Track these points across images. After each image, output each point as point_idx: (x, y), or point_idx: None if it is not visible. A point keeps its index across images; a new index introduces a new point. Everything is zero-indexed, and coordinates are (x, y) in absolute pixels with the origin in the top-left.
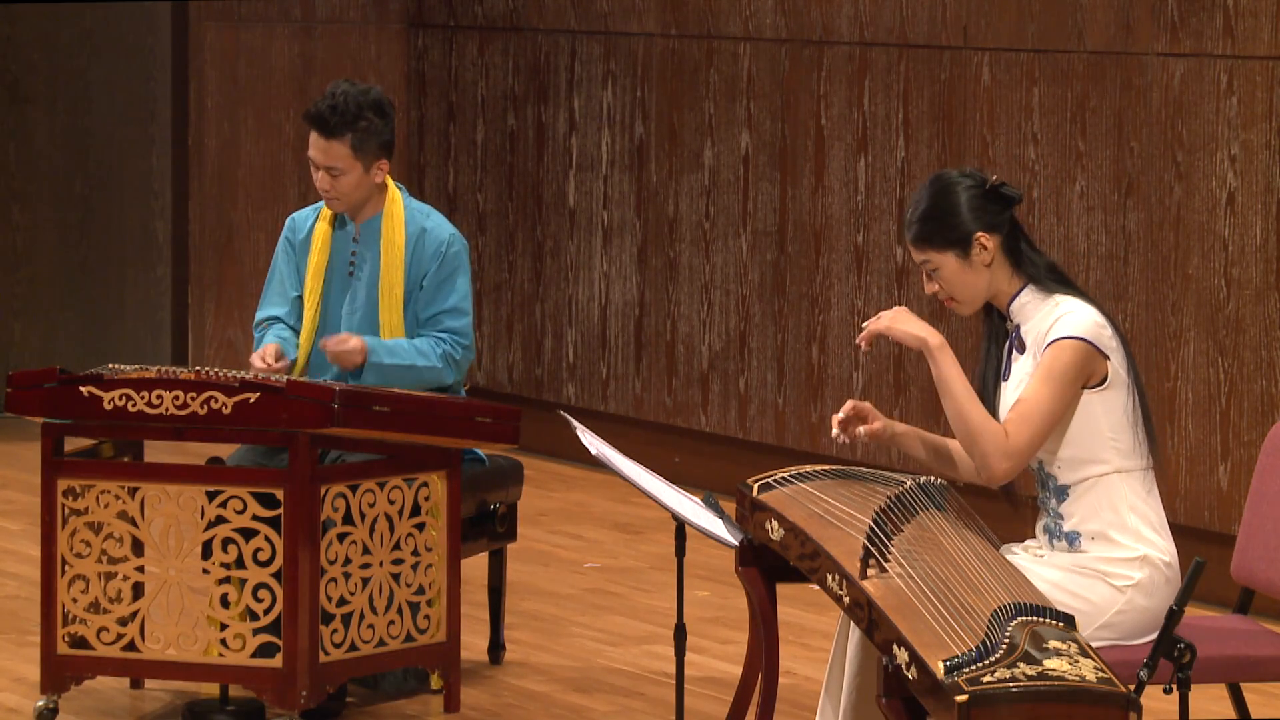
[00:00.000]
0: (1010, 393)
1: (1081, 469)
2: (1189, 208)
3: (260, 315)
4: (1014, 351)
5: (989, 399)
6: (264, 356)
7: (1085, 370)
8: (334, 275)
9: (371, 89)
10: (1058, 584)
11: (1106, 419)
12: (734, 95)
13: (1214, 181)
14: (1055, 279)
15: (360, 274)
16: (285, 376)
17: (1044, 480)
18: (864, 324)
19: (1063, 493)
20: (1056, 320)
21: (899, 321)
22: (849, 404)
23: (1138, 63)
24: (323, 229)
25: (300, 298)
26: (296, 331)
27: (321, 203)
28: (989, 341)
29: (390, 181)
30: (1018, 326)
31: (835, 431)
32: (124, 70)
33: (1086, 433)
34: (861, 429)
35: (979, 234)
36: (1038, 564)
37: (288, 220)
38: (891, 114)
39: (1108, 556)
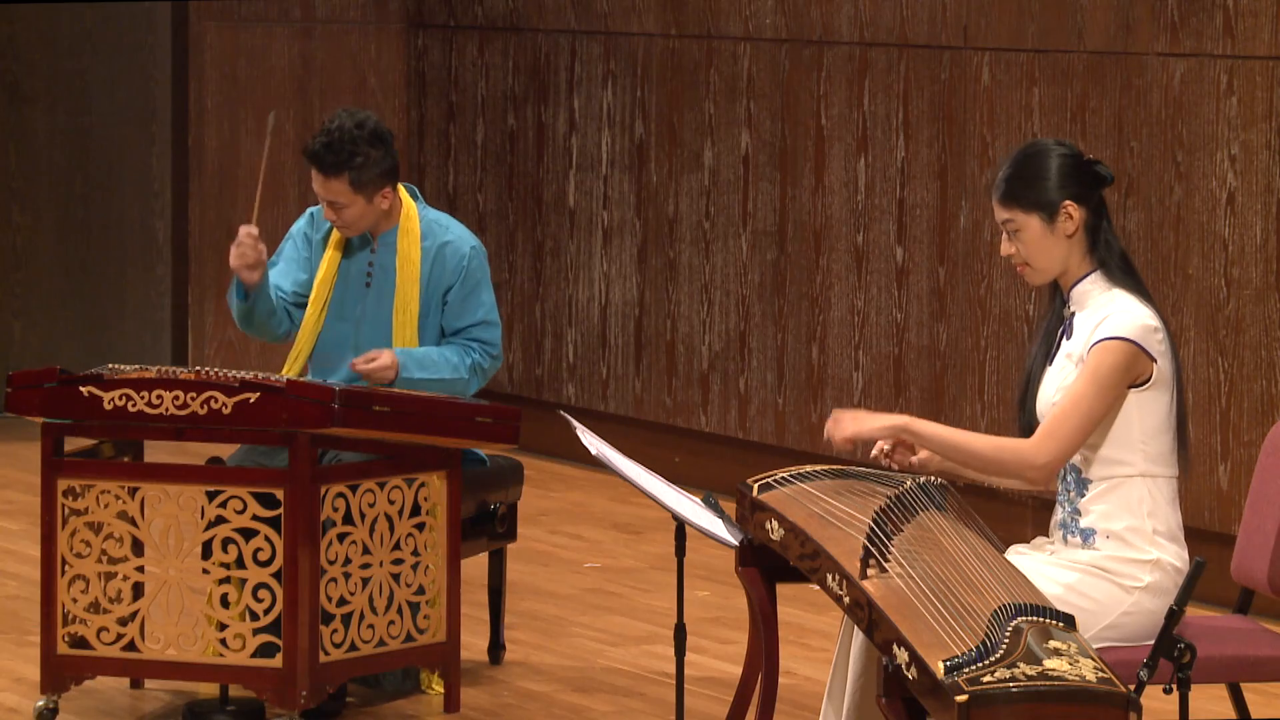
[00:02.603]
0: (1050, 378)
1: (1106, 467)
2: (1189, 208)
3: None
4: (1064, 337)
5: (1035, 378)
6: (252, 231)
7: (1130, 372)
8: (348, 285)
9: (368, 120)
10: (1064, 582)
11: (1140, 422)
12: (734, 95)
13: (1214, 181)
14: (1124, 269)
15: (377, 285)
16: (285, 377)
17: (1066, 471)
18: (826, 434)
19: (1083, 486)
20: (1106, 317)
21: (862, 423)
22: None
23: (1138, 63)
24: (338, 238)
25: (299, 293)
26: (291, 308)
27: None
28: (1048, 324)
29: (404, 191)
30: (1074, 314)
31: (878, 453)
32: (124, 70)
33: (1118, 432)
34: (914, 458)
35: (1067, 202)
36: (1046, 561)
37: (308, 213)
38: (891, 114)
39: (1120, 556)
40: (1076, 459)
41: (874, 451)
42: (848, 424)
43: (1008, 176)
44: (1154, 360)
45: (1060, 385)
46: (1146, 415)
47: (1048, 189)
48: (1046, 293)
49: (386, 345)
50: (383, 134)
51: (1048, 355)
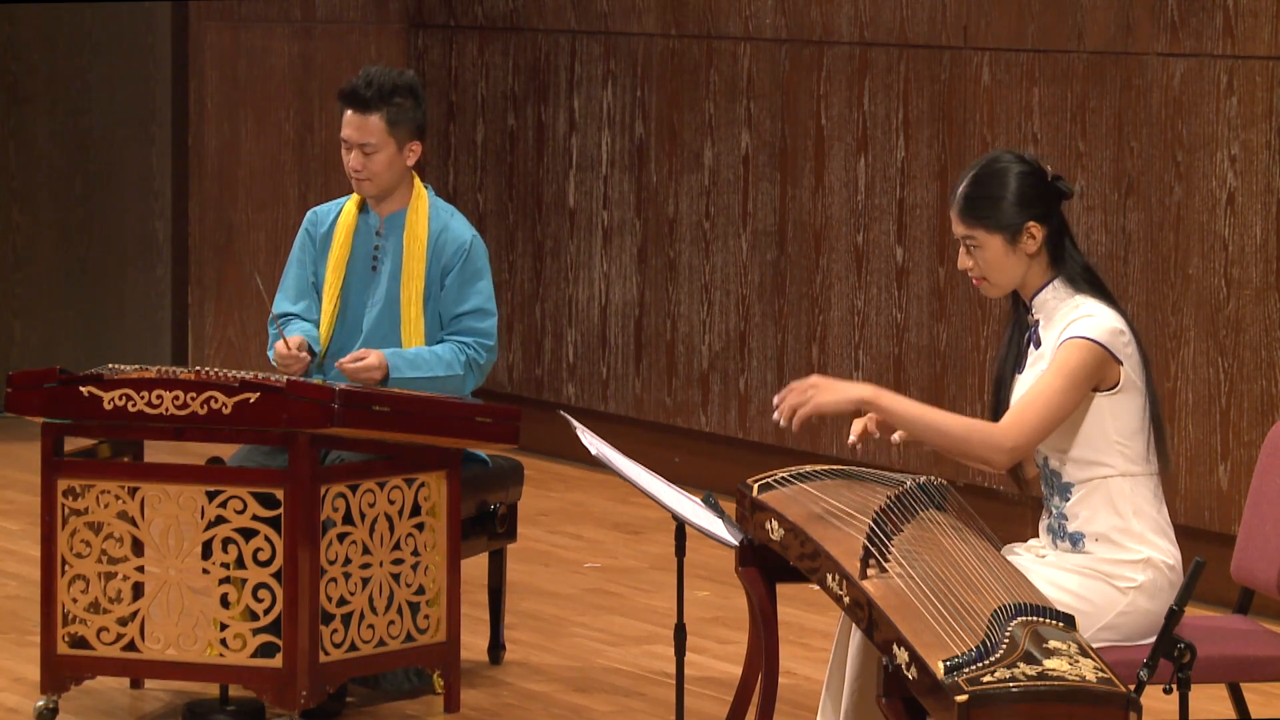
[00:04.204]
0: (1020, 386)
1: (1086, 469)
2: (1189, 208)
3: (275, 311)
4: (1031, 345)
5: (1005, 387)
6: (289, 342)
7: (1095, 373)
8: (356, 269)
9: (405, 71)
10: (1059, 584)
11: (1114, 423)
12: (734, 95)
13: (1214, 181)
14: (1088, 280)
15: (383, 267)
16: (292, 378)
17: (1049, 477)
18: (777, 402)
19: (1066, 491)
20: (1073, 321)
21: (823, 394)
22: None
23: (1138, 63)
24: (346, 222)
25: (316, 288)
26: (316, 325)
27: (344, 198)
28: (1013, 330)
29: (418, 180)
30: (1038, 321)
31: (852, 439)
32: (124, 70)
33: (1094, 434)
34: (896, 435)
35: (1030, 223)
36: (1040, 564)
37: (308, 214)
38: (891, 114)
39: (1111, 558)
40: (1055, 464)
41: (851, 438)
42: (808, 399)
43: (969, 194)
44: (1120, 363)
45: None
46: (1120, 417)
47: (1010, 209)
48: (1009, 303)
49: (395, 327)
50: (417, 88)
51: (1017, 362)
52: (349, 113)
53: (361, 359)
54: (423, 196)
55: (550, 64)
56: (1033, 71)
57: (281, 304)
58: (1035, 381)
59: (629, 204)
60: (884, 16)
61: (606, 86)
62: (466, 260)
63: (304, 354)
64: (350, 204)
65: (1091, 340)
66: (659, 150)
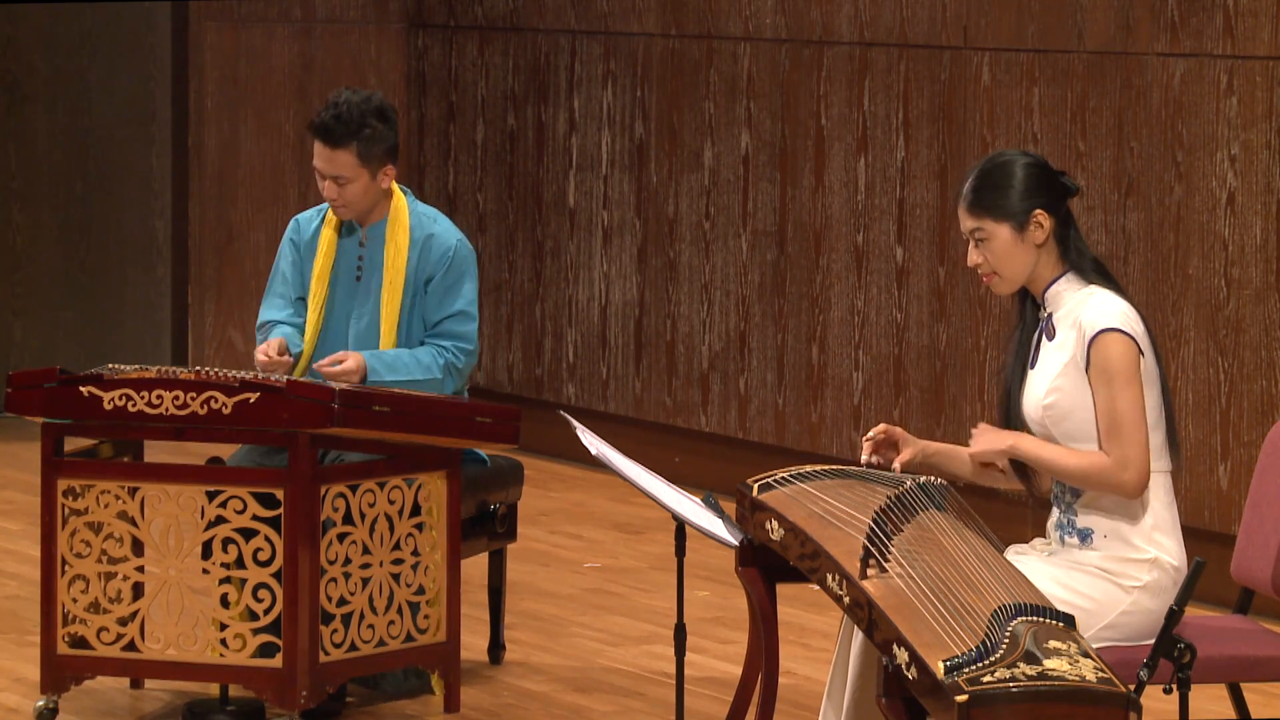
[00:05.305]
0: (1036, 379)
1: None
2: (1189, 208)
3: (262, 318)
4: (1044, 338)
5: (1015, 384)
6: (268, 350)
7: (1136, 358)
8: (340, 280)
9: (374, 95)
10: (1063, 583)
11: None
12: (734, 95)
13: (1214, 181)
14: (1099, 271)
15: (367, 279)
16: (285, 376)
17: None
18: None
19: (1079, 488)
20: (1089, 310)
21: (980, 444)
22: (881, 427)
23: (1138, 63)
24: (329, 233)
25: (303, 300)
26: (301, 330)
27: (326, 204)
28: (1021, 328)
29: (395, 186)
30: (1050, 314)
31: (865, 456)
32: (124, 70)
33: None
34: (896, 463)
35: (1038, 211)
36: (1044, 562)
37: (291, 221)
38: (891, 114)
39: (1118, 556)
40: None
41: (864, 457)
42: (977, 442)
43: (976, 185)
44: (1142, 354)
45: (1050, 387)
46: None
47: (1018, 198)
48: (1015, 303)
49: (379, 338)
50: (387, 110)
51: (1026, 361)
52: (319, 145)
53: (339, 362)
54: (402, 206)
55: (550, 64)
56: (1033, 71)
57: (268, 312)
58: (1103, 403)
59: (629, 204)
60: (884, 16)
61: (606, 86)
62: (451, 265)
63: (284, 357)
64: (332, 212)
65: (1118, 330)
66: (659, 150)
